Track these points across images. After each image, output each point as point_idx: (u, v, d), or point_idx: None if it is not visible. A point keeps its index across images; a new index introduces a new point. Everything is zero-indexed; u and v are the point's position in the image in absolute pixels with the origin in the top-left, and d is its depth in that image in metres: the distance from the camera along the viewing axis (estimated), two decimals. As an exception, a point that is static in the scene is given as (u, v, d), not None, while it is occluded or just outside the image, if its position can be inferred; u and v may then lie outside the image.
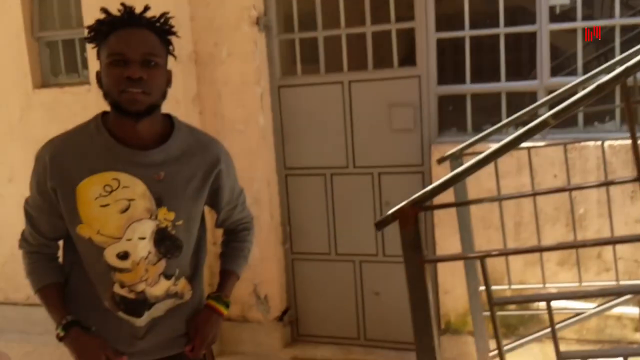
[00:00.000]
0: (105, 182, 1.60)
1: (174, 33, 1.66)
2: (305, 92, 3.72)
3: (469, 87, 3.47)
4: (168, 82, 1.66)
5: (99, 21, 1.60)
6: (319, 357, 3.80)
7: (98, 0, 1.63)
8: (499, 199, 2.75)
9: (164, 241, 1.67)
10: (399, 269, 3.63)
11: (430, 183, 3.46)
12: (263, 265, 3.83)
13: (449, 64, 3.74)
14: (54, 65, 4.26)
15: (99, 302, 1.70)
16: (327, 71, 3.67)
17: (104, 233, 1.62)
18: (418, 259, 1.53)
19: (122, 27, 1.57)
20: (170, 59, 1.69)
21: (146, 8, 1.62)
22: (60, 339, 1.67)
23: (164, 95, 1.64)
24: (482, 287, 2.55)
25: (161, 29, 1.62)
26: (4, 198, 4.33)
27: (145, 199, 1.62)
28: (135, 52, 1.55)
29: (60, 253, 1.79)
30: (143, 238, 1.64)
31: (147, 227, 1.64)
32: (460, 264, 3.02)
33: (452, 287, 3.50)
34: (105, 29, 1.58)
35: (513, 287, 3.11)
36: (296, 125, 3.77)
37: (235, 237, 1.93)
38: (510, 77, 3.42)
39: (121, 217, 1.61)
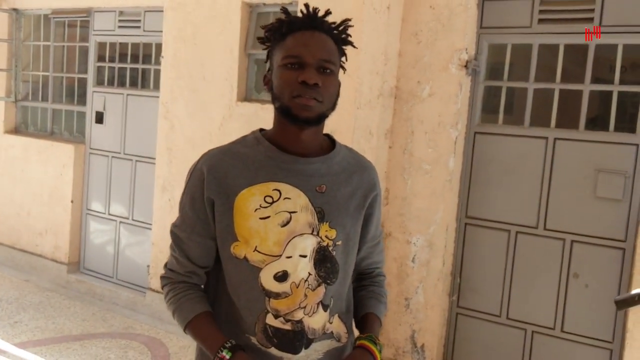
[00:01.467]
0: (265, 192, 1.47)
1: (351, 43, 1.54)
2: (503, 142, 3.56)
3: (694, 165, 3.10)
4: (338, 94, 1.52)
5: (279, 20, 1.49)
6: (470, 423, 3.56)
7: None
8: None
9: (325, 262, 1.49)
10: (577, 348, 3.34)
11: (633, 263, 3.13)
12: (425, 312, 3.68)
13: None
14: (257, 82, 4.50)
15: (245, 340, 1.51)
16: (532, 124, 3.48)
17: (262, 250, 1.46)
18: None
19: (302, 29, 1.46)
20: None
21: (327, 12, 1.53)
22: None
23: (333, 107, 1.50)
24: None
25: (340, 37, 1.51)
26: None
27: (307, 212, 1.48)
28: (313, 56, 1.43)
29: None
30: (304, 256, 1.47)
31: (309, 244, 1.48)
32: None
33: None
34: (285, 29, 1.47)
35: None
36: (486, 175, 3.61)
37: (372, 281, 1.70)
38: None
39: (281, 231, 1.46)
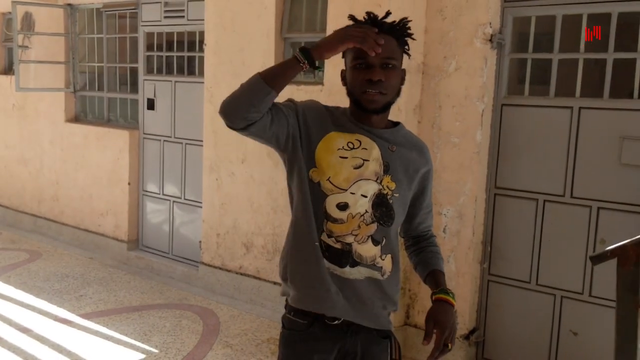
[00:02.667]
0: (349, 139, 1.82)
1: (410, 35, 1.83)
2: (529, 113, 3.63)
3: None
4: (402, 81, 1.84)
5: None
6: (502, 385, 3.70)
7: (343, 7, 1.82)
8: None
9: (381, 206, 1.82)
10: (605, 312, 3.42)
11: (658, 227, 3.18)
12: (457, 280, 3.83)
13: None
14: (294, 64, 4.68)
15: (312, 243, 1.82)
16: (557, 95, 3.54)
17: (333, 181, 1.79)
18: (633, 302, 1.46)
19: None
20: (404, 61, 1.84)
21: (387, 13, 1.82)
22: (307, 53, 1.72)
23: (398, 93, 1.84)
24: None
25: (400, 33, 1.80)
26: (235, 176, 4.88)
27: (376, 164, 1.81)
28: (375, 57, 1.73)
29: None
30: (365, 196, 1.80)
31: (371, 188, 1.80)
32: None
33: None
34: None
35: None
36: (514, 146, 3.69)
37: (429, 242, 2.02)
38: None
39: (353, 172, 1.79)
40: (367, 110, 1.80)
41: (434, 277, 1.92)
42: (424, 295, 3.98)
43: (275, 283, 4.72)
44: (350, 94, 1.84)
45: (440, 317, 1.78)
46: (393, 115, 3.87)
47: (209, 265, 5.17)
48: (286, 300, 1.94)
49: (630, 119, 3.30)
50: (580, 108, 3.45)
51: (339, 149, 1.80)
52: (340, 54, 1.85)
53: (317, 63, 1.76)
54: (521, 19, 3.67)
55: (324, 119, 1.84)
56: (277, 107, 1.78)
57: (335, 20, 3.99)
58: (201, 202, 5.24)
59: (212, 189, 5.08)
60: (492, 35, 3.61)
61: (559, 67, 3.54)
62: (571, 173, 3.50)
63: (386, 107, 1.82)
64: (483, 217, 3.81)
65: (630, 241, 1.44)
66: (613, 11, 3.32)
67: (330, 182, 1.79)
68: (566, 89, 3.53)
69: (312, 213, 1.81)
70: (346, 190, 1.79)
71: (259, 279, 4.83)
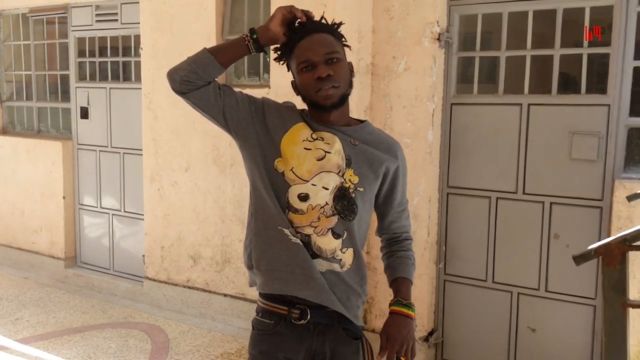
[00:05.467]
0: (312, 133, 1.83)
1: (341, 36, 1.85)
2: (479, 112, 3.62)
3: (664, 122, 3.18)
4: (351, 72, 1.86)
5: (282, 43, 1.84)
6: (463, 385, 3.67)
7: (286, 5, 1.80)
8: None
9: (342, 199, 1.81)
10: (561, 307, 3.44)
11: (610, 220, 3.22)
12: (414, 282, 3.77)
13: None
14: (237, 67, 4.53)
15: (277, 222, 1.81)
16: (506, 92, 3.55)
17: (296, 172, 1.80)
18: (620, 301, 1.42)
19: (303, 38, 1.79)
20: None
21: (321, 17, 1.85)
22: (253, 30, 1.80)
23: (350, 85, 1.84)
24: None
25: (333, 28, 1.83)
26: (178, 185, 4.67)
27: (338, 156, 1.81)
28: (317, 54, 1.76)
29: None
30: (326, 188, 1.80)
31: (332, 181, 1.80)
32: None
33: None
34: (291, 44, 1.81)
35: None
36: (465, 144, 3.68)
37: (401, 246, 1.97)
38: None
39: (315, 163, 1.80)
40: (326, 107, 1.79)
41: (396, 286, 1.90)
42: (381, 299, 3.91)
43: (225, 295, 4.55)
44: (305, 98, 1.84)
45: (391, 330, 1.79)
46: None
47: (154, 280, 4.94)
48: (257, 301, 1.91)
49: (579, 114, 3.33)
50: (529, 105, 3.46)
51: (303, 140, 1.81)
52: (286, 67, 1.89)
53: (264, 47, 1.82)
54: (467, 17, 3.66)
55: (291, 112, 1.87)
56: (229, 88, 1.85)
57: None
58: (143, 214, 5.00)
59: (154, 199, 4.85)
60: (439, 34, 3.58)
61: (506, 65, 3.55)
62: (522, 170, 3.51)
63: (343, 100, 1.81)
64: (437, 217, 3.78)
65: (614, 239, 1.39)
66: (558, 7, 3.35)
67: (293, 172, 1.80)
68: (515, 86, 3.54)
69: (276, 200, 1.81)
70: (308, 181, 1.80)
71: (208, 291, 4.64)
